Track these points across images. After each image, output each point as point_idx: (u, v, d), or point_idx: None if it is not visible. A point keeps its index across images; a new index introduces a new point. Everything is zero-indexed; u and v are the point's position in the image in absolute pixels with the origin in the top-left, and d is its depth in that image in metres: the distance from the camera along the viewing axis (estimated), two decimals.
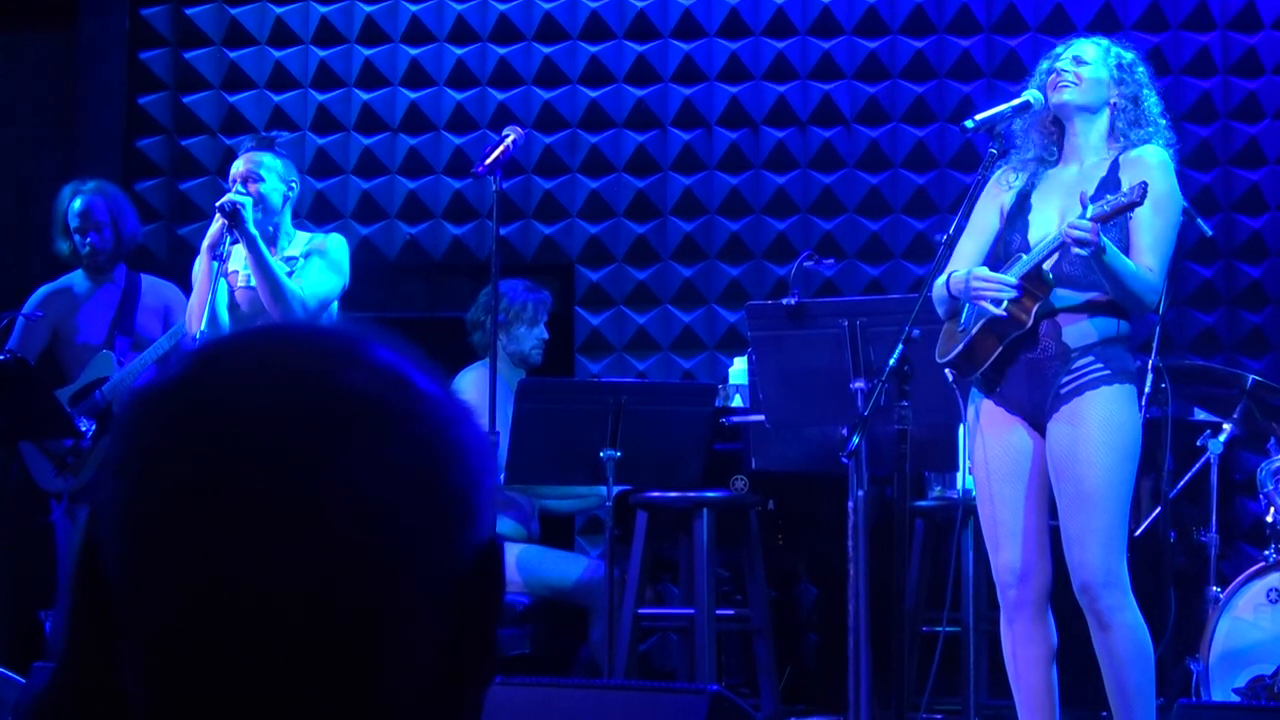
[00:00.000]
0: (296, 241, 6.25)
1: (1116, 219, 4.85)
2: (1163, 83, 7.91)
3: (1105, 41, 5.22)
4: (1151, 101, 5.13)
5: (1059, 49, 5.23)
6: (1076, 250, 4.75)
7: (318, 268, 6.16)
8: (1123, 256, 4.82)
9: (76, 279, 7.12)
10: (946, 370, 5.14)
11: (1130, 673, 4.89)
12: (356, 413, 1.07)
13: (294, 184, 6.25)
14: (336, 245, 6.25)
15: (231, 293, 6.16)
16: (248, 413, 1.06)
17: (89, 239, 6.96)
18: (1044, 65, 5.20)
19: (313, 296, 6.09)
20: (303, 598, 1.04)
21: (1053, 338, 4.97)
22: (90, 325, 7.03)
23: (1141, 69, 5.16)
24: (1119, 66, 5.12)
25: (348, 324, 1.13)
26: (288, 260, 6.15)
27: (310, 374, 1.08)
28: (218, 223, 6.00)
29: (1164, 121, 5.14)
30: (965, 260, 5.11)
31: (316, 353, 1.10)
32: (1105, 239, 4.72)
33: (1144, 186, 4.70)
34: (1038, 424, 5.00)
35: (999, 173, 5.23)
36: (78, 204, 6.98)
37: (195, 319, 6.01)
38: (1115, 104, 5.10)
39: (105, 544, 1.09)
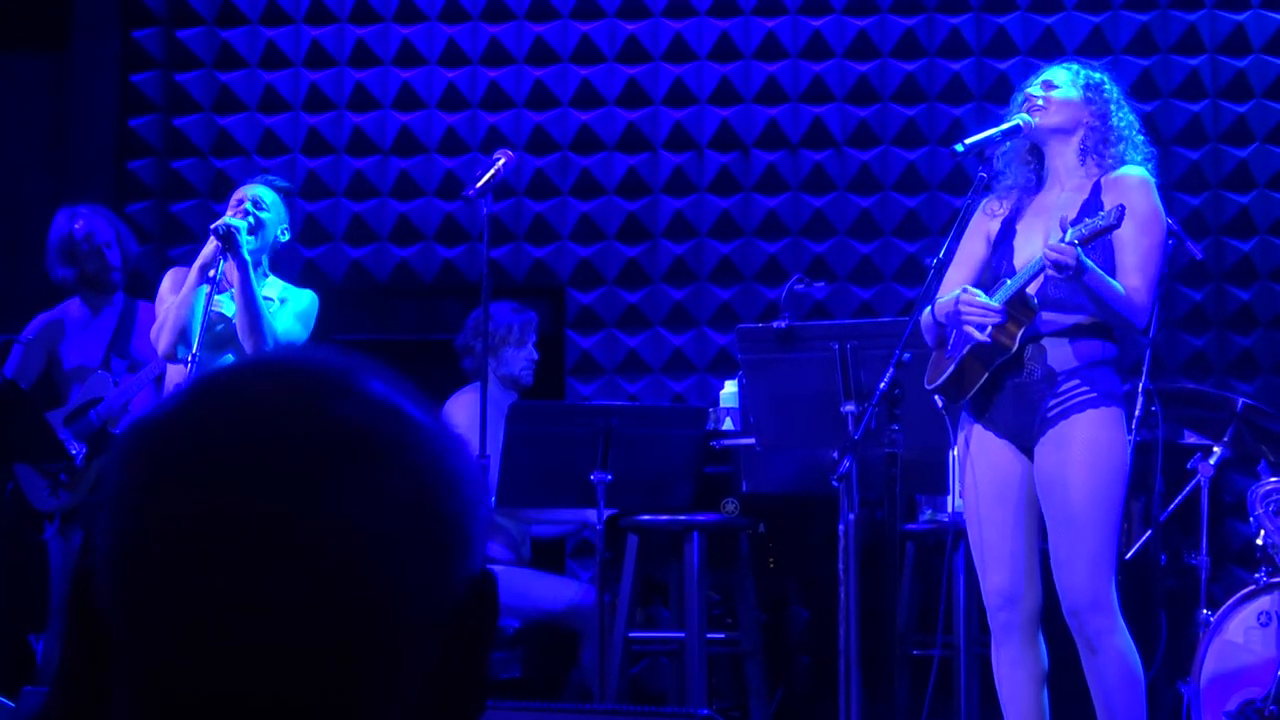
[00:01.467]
0: (270, 285, 6.25)
1: (1101, 241, 4.87)
2: (1152, 106, 7.98)
3: (1075, 65, 5.26)
4: (1121, 117, 5.15)
5: (1032, 78, 5.27)
6: (1054, 273, 4.76)
7: (286, 313, 6.18)
8: (1106, 277, 4.83)
9: (74, 305, 7.13)
10: (935, 396, 5.15)
11: (1120, 697, 4.89)
12: (349, 443, 1.07)
13: (286, 230, 6.27)
14: (308, 299, 6.26)
15: (208, 314, 6.13)
16: (241, 444, 1.06)
17: (104, 255, 6.98)
18: (1019, 97, 5.24)
19: (283, 335, 6.10)
20: (295, 627, 1.04)
21: (1038, 362, 4.98)
22: (87, 348, 7.03)
23: (1111, 88, 5.18)
24: (1087, 87, 5.15)
25: (342, 355, 1.14)
26: (264, 299, 6.16)
27: (304, 405, 1.09)
28: (211, 244, 6.01)
29: (1140, 137, 5.17)
30: (954, 289, 5.12)
31: (310, 384, 1.10)
32: (1087, 260, 4.74)
33: (1121, 210, 4.72)
34: (1026, 448, 5.01)
35: (985, 201, 5.25)
36: (80, 229, 7.00)
37: (168, 336, 6.00)
38: (1087, 123, 5.13)
39: (99, 573, 1.09)
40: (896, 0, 8.37)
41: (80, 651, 1.12)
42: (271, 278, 6.30)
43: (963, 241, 5.23)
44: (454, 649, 1.11)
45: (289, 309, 6.20)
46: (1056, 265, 4.71)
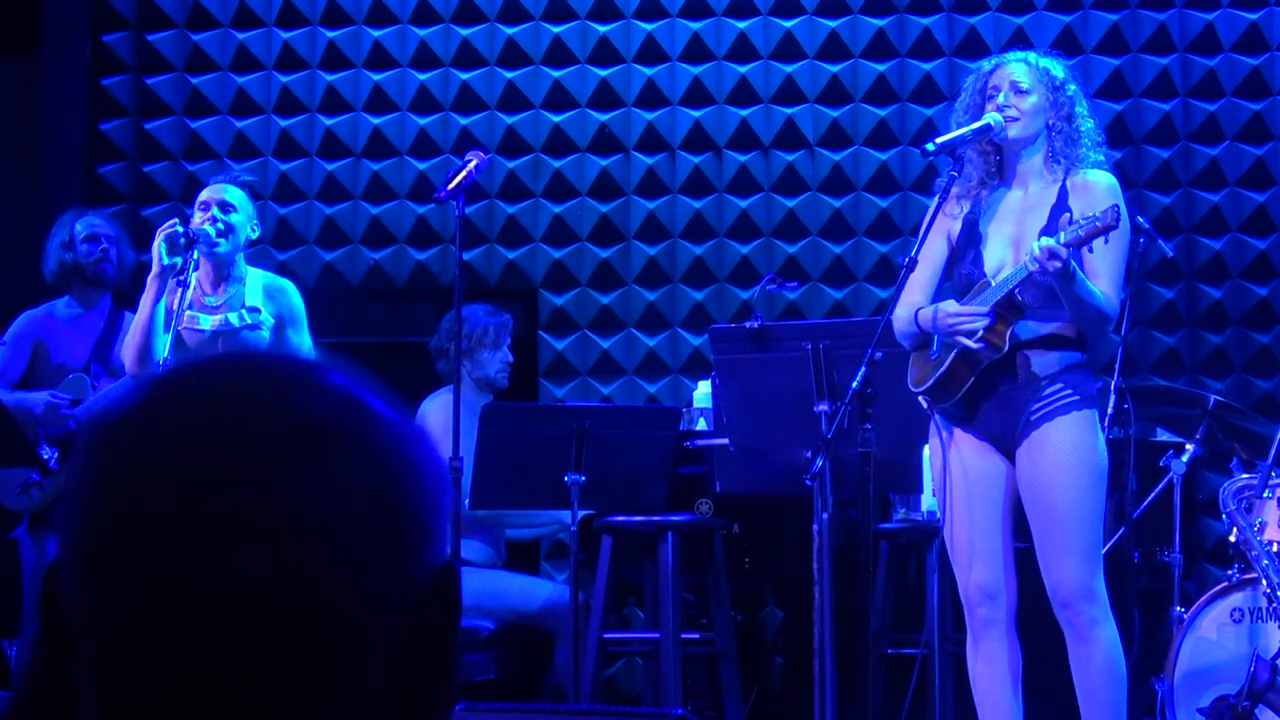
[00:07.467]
0: (251, 279, 6.18)
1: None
2: (1123, 105, 8.02)
3: (1034, 58, 5.20)
4: (1082, 114, 5.13)
5: (984, 65, 5.23)
6: (1046, 265, 4.72)
7: (299, 338, 6.13)
8: (1088, 282, 4.86)
9: (61, 305, 7.11)
10: (920, 398, 5.15)
11: (1103, 688, 4.92)
12: (308, 434, 1.07)
13: (256, 226, 6.23)
14: (298, 303, 6.19)
15: (179, 335, 6.00)
16: (201, 434, 1.06)
17: (96, 249, 6.97)
18: (972, 84, 5.20)
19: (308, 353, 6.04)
20: (256, 620, 1.04)
21: (1023, 367, 5.01)
22: (70, 349, 7.00)
23: (1073, 86, 5.16)
24: (1050, 88, 5.13)
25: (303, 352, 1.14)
26: (250, 310, 6.09)
27: (263, 398, 1.08)
28: (157, 254, 5.87)
29: (1091, 123, 5.15)
30: (919, 289, 5.13)
31: (270, 377, 1.10)
32: (1073, 263, 4.76)
33: (1115, 210, 4.73)
34: (1007, 450, 5.05)
35: (944, 203, 5.23)
36: (82, 224, 7.02)
37: (131, 356, 5.94)
38: (1052, 125, 5.12)
39: (63, 569, 1.09)
40: (868, 1, 8.38)
41: (48, 651, 1.12)
42: (250, 271, 6.23)
43: (925, 242, 5.23)
44: (418, 640, 1.11)
45: (295, 334, 6.13)
46: (1053, 255, 4.70)
